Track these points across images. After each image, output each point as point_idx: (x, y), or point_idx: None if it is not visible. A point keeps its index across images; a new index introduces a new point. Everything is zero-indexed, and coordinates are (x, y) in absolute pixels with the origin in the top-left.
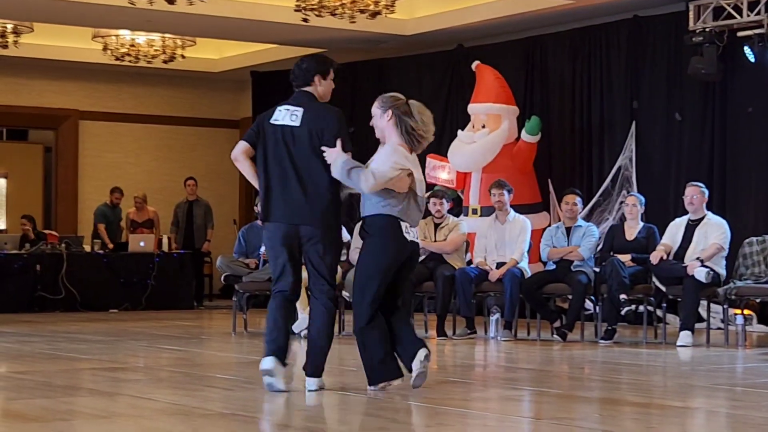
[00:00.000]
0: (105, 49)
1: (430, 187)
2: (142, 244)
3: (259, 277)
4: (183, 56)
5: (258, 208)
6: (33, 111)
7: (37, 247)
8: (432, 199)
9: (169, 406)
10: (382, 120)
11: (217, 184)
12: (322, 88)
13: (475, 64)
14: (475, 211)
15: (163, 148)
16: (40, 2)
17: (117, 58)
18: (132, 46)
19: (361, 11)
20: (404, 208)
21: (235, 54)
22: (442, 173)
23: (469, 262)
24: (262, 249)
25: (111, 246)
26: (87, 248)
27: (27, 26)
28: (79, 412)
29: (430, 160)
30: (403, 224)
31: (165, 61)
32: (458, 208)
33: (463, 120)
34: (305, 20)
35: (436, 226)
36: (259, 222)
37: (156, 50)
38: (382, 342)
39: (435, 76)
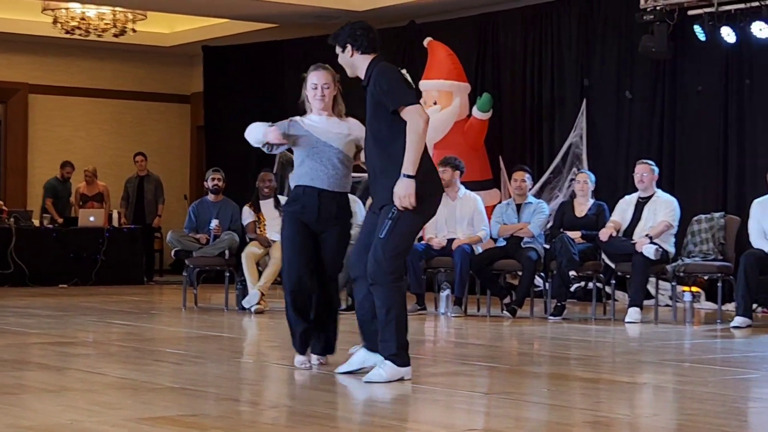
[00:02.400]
0: (55, 22)
1: None
2: (92, 219)
3: (209, 252)
4: (134, 30)
5: (218, 184)
6: None
7: None
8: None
9: (118, 380)
10: None
11: (168, 159)
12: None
13: (426, 40)
14: None
15: (113, 122)
16: None
17: (67, 32)
18: (82, 19)
19: None
20: None
21: (186, 28)
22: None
23: (420, 239)
24: (213, 224)
25: (60, 221)
26: (36, 223)
27: None
28: (29, 386)
29: None
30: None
31: (116, 35)
32: None
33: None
34: None
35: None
36: (209, 197)
37: (106, 24)
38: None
39: (386, 52)
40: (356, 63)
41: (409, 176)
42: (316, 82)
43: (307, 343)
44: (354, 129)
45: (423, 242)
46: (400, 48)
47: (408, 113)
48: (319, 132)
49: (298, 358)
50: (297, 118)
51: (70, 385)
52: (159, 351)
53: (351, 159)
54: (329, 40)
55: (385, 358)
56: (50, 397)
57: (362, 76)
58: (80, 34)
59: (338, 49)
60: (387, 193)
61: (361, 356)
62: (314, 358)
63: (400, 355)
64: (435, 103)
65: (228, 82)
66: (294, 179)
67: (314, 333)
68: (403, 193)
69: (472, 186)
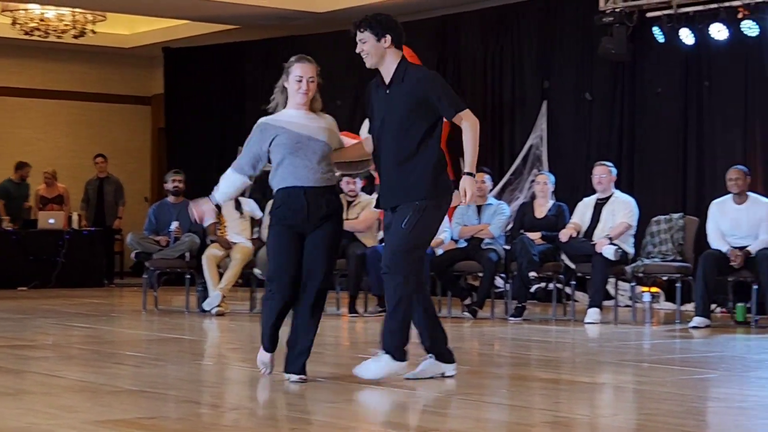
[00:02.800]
0: (14, 23)
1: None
2: (51, 221)
3: (170, 254)
4: (93, 31)
5: (178, 186)
6: None
7: None
8: (345, 178)
9: (77, 384)
10: None
11: (129, 160)
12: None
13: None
14: None
15: (73, 124)
16: None
17: (26, 33)
18: (41, 20)
19: None
20: None
21: (146, 30)
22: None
23: (382, 240)
24: (173, 226)
25: (10, 225)
26: None
27: None
28: None
29: (344, 138)
30: None
31: (75, 36)
32: (371, 186)
33: None
34: None
35: (349, 204)
36: (169, 199)
37: (66, 25)
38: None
39: (347, 53)
40: (387, 56)
41: (472, 174)
42: (301, 75)
43: (277, 341)
44: (330, 122)
45: (383, 244)
46: None
47: (466, 117)
48: (300, 127)
49: (264, 356)
50: (266, 120)
51: (29, 389)
52: (119, 354)
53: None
54: (360, 22)
55: (385, 351)
56: (8, 400)
57: (388, 70)
58: (39, 36)
59: (371, 36)
60: (403, 190)
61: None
62: (294, 377)
63: (400, 349)
64: None
65: (189, 83)
66: (275, 182)
67: (293, 347)
68: (471, 190)
69: None
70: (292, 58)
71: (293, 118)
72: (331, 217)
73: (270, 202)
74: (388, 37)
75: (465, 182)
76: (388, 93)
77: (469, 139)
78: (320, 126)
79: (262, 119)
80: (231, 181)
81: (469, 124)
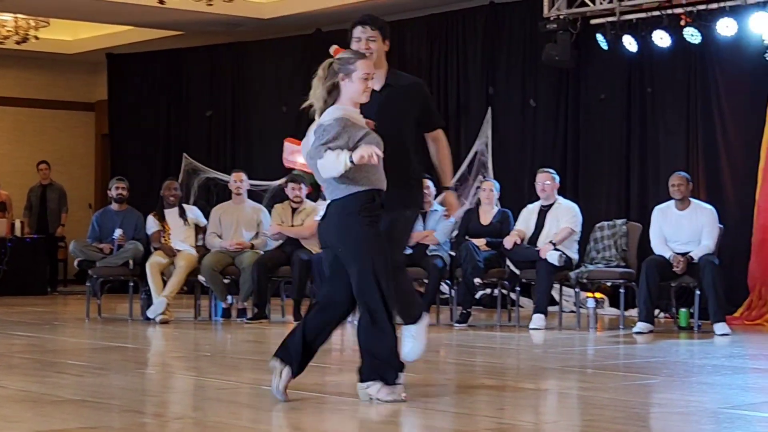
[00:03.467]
0: None
1: (288, 171)
2: None
3: (113, 262)
4: (36, 37)
5: (122, 193)
6: None
7: None
8: (290, 184)
9: (18, 393)
10: None
11: (72, 167)
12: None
13: (333, 48)
14: None
15: (15, 131)
16: None
17: None
18: None
19: None
20: None
21: (90, 36)
22: (300, 158)
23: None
24: (116, 233)
25: None
26: None
27: None
28: None
29: (288, 145)
30: None
31: (18, 42)
32: (316, 193)
33: None
34: (161, 2)
35: (294, 210)
36: (113, 206)
37: (8, 31)
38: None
39: (293, 59)
40: (383, 59)
41: (454, 189)
42: (368, 73)
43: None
44: None
45: None
46: (306, 55)
47: (441, 133)
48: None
49: (397, 389)
50: (345, 117)
51: None
52: (61, 363)
53: None
54: (371, 20)
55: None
56: None
57: (381, 73)
58: None
59: (379, 36)
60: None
61: None
62: (375, 389)
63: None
64: None
65: (133, 89)
66: (361, 183)
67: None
68: (457, 204)
69: None
70: (351, 53)
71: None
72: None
73: (321, 205)
74: (388, 42)
75: (451, 196)
76: (381, 94)
77: (446, 153)
78: None
79: (340, 115)
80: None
81: (444, 139)
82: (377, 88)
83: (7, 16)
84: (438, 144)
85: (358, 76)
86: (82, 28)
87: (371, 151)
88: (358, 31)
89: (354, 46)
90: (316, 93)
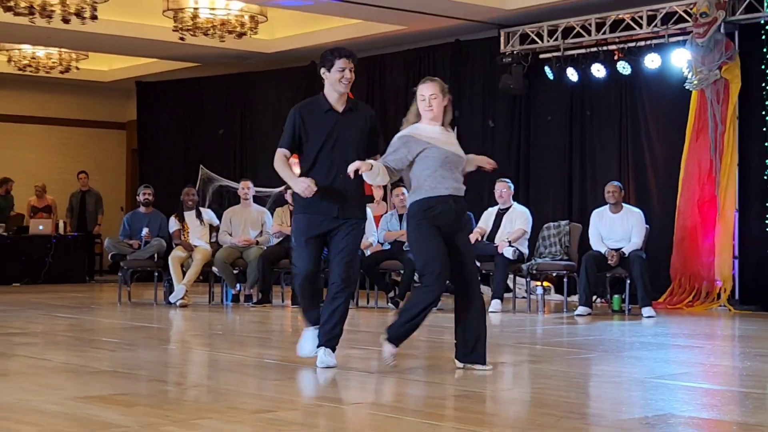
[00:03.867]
0: (9, 60)
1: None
2: (40, 227)
3: (141, 255)
4: (77, 68)
5: (148, 198)
6: None
7: None
8: (289, 191)
9: (61, 365)
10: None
11: (107, 176)
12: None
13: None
14: None
15: (60, 145)
16: None
17: (20, 69)
18: (33, 58)
19: (230, 32)
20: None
21: (122, 66)
22: (298, 168)
23: None
24: (144, 232)
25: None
26: None
27: None
28: None
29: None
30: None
31: (62, 72)
32: None
33: None
34: (182, 39)
35: (291, 212)
36: (141, 209)
37: (54, 62)
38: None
39: (292, 87)
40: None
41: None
42: (423, 94)
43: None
44: (455, 136)
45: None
46: (303, 84)
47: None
48: (443, 143)
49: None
50: (409, 134)
51: (19, 370)
52: (97, 339)
53: None
54: (353, 57)
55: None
56: (0, 379)
57: (344, 98)
58: (31, 71)
59: (354, 69)
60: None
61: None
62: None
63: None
64: None
65: (158, 112)
66: (425, 190)
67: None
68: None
69: (366, 200)
70: (421, 81)
71: (434, 134)
72: (466, 223)
73: (367, 207)
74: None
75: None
76: (342, 116)
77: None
78: (455, 143)
79: (404, 133)
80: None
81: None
82: (340, 110)
83: (53, 50)
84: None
85: (417, 98)
86: (116, 60)
87: (303, 188)
88: (342, 63)
89: (336, 75)
90: (411, 109)
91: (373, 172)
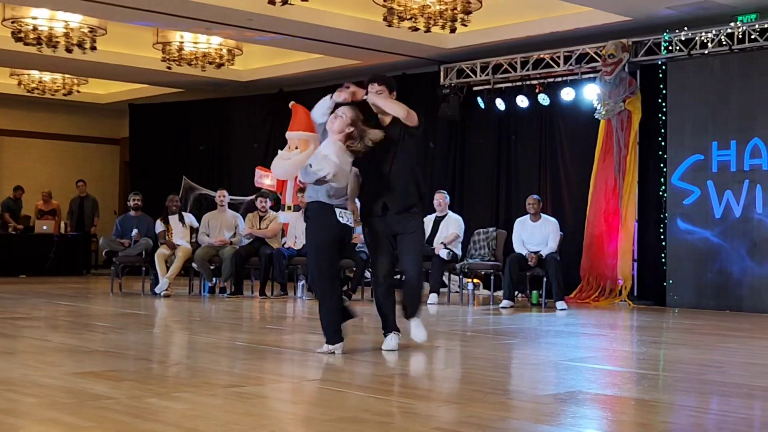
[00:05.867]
0: (19, 83)
1: (257, 190)
2: (45, 227)
3: (131, 252)
4: (78, 91)
5: (137, 203)
6: None
7: None
8: (259, 199)
9: (60, 345)
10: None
11: (102, 184)
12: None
13: (291, 103)
14: (289, 208)
15: (62, 157)
16: None
17: (29, 91)
18: (40, 82)
19: (210, 63)
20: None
21: (117, 90)
22: (266, 180)
23: (284, 244)
24: (133, 232)
25: (20, 227)
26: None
27: None
28: None
29: (258, 171)
30: (337, 209)
31: (65, 94)
32: (277, 205)
33: (282, 143)
34: (169, 68)
35: (261, 218)
36: (131, 213)
37: (58, 86)
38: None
39: (262, 111)
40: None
41: None
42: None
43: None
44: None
45: (285, 247)
46: (272, 108)
47: None
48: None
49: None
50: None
51: (24, 349)
52: (92, 324)
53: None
54: (380, 78)
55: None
56: (7, 358)
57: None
58: (38, 93)
59: (386, 90)
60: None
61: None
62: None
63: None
64: (296, 148)
65: (147, 130)
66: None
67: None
68: None
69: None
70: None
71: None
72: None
73: (281, 214)
74: (394, 93)
75: None
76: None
77: None
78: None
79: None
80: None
81: None
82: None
83: (58, 75)
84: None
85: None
86: (112, 85)
87: None
88: (370, 87)
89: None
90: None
91: None
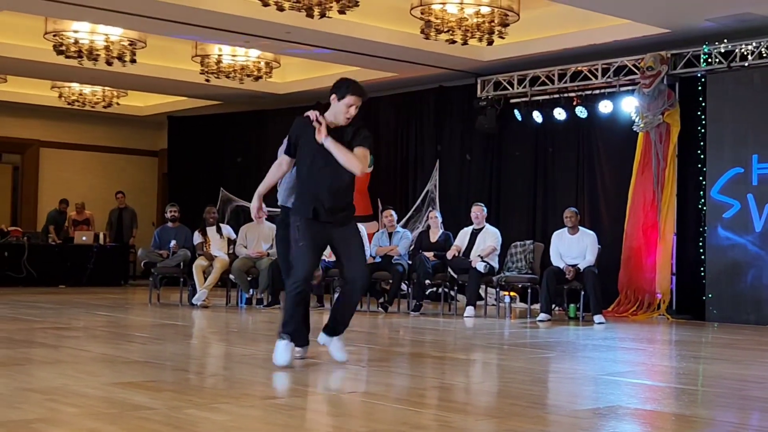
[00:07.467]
0: (60, 96)
1: None
2: (84, 238)
3: (169, 263)
4: (118, 103)
5: (175, 214)
6: (5, 140)
7: (5, 240)
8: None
9: (99, 355)
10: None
11: (141, 196)
12: (333, 106)
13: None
14: None
15: (102, 169)
16: (13, 61)
17: (69, 103)
18: (80, 95)
19: (248, 75)
20: None
21: (156, 103)
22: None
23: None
24: (171, 243)
25: (59, 241)
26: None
27: (1, 77)
28: (32, 359)
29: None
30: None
31: (104, 107)
32: None
33: None
34: (207, 80)
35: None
36: (169, 224)
37: (98, 98)
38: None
39: None
40: None
41: None
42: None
43: None
44: None
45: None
46: None
47: None
48: None
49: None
50: None
51: (64, 359)
52: (130, 334)
53: None
54: (364, 97)
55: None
56: (48, 367)
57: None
58: (78, 106)
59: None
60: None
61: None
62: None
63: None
64: None
65: (186, 142)
66: None
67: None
68: None
69: (358, 220)
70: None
71: None
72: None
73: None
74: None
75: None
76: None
77: None
78: None
79: None
80: None
81: None
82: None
83: (98, 88)
84: None
85: (345, 102)
86: (151, 98)
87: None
88: (352, 99)
89: (343, 108)
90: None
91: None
